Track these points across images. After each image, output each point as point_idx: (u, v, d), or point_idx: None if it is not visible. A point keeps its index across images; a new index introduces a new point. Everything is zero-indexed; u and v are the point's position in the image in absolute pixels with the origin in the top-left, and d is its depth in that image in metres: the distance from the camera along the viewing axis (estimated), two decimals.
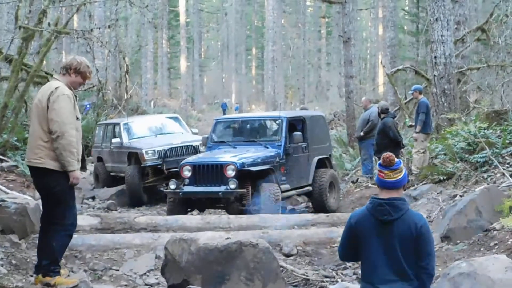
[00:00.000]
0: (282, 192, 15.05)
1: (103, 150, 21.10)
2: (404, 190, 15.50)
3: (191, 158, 15.98)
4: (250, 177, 14.71)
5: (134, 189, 18.60)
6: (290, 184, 15.70)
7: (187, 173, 14.96)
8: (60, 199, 7.94)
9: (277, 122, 16.17)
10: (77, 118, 7.90)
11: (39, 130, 7.86)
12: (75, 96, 8.03)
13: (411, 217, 5.29)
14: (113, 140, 20.08)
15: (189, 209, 15.24)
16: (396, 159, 5.36)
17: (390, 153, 5.37)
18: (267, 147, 15.69)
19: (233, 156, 15.04)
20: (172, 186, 14.96)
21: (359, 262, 5.56)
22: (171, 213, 14.61)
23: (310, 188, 16.29)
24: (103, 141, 21.34)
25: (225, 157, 15.12)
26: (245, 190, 14.53)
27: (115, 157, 20.25)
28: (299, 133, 15.87)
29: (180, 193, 14.84)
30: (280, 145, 15.63)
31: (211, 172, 14.76)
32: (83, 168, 8.31)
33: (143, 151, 18.73)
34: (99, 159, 21.29)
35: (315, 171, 16.42)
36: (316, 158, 16.54)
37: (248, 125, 16.95)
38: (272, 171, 15.01)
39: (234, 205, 14.65)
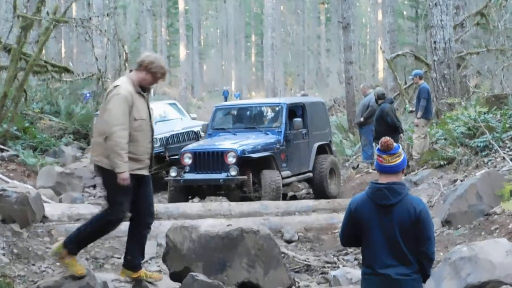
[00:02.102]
0: (282, 178, 15.04)
1: None
2: (405, 175, 15.53)
3: (192, 146, 15.98)
4: (251, 164, 14.70)
5: None
6: (290, 170, 15.68)
7: (187, 160, 14.95)
8: (109, 196, 7.88)
9: (277, 108, 16.13)
10: (135, 119, 7.69)
11: (98, 127, 7.86)
12: (141, 94, 7.85)
13: (410, 202, 5.29)
14: None
15: (190, 197, 15.24)
16: (394, 144, 5.35)
17: (388, 138, 5.35)
18: (268, 134, 15.67)
19: (233, 143, 15.02)
20: (173, 173, 14.96)
21: (360, 248, 5.57)
22: (172, 201, 14.61)
23: (310, 174, 16.28)
24: None
25: (225, 144, 15.12)
26: (245, 177, 14.52)
27: None
28: (299, 119, 15.85)
29: (181, 181, 14.84)
30: (281, 131, 15.61)
31: (212, 159, 14.76)
32: (150, 166, 8.14)
33: None
34: None
35: (315, 157, 16.41)
36: (316, 144, 16.53)
37: (248, 112, 16.91)
38: (273, 158, 15.01)
39: (235, 192, 14.65)
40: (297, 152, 16.05)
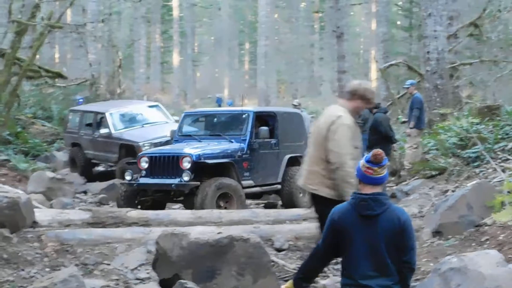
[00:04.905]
0: (244, 187, 14.68)
1: (81, 137, 21.03)
2: (396, 185, 15.43)
3: (150, 150, 15.86)
4: (208, 171, 14.33)
5: None
6: (254, 180, 15.28)
7: (144, 164, 14.66)
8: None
9: (244, 116, 15.66)
10: (355, 148, 7.79)
11: (316, 157, 7.81)
12: (357, 123, 7.97)
13: (394, 212, 5.30)
14: (101, 131, 19.94)
15: (139, 203, 14.76)
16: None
17: (380, 150, 5.35)
18: (232, 142, 15.27)
19: (191, 148, 14.72)
20: (128, 177, 14.65)
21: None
22: (121, 207, 14.21)
23: (279, 186, 15.86)
24: (80, 127, 21.27)
25: (182, 149, 14.85)
26: (198, 183, 14.06)
27: (100, 146, 20.22)
28: (265, 128, 15.38)
29: (135, 185, 14.57)
30: (245, 139, 15.21)
31: (167, 164, 14.43)
32: None
33: (140, 144, 18.66)
34: (75, 144, 21.25)
35: (286, 169, 15.94)
36: (287, 156, 16.03)
37: (216, 119, 16.56)
38: (232, 166, 14.66)
39: (191, 199, 14.18)
40: (263, 162, 15.59)
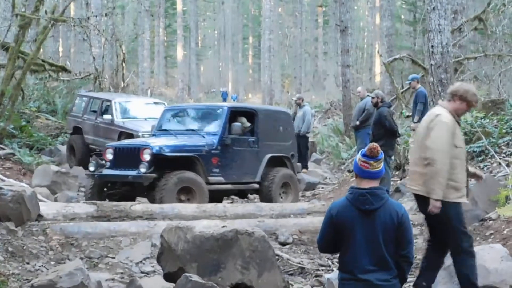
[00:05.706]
0: (211, 184, 14.46)
1: (84, 122, 21.14)
2: (401, 179, 15.39)
3: (116, 142, 15.76)
4: (170, 164, 14.11)
5: None
6: (225, 177, 14.95)
7: (109, 155, 14.55)
8: (445, 225, 7.78)
9: (219, 112, 15.47)
10: (456, 146, 7.76)
11: (417, 156, 7.88)
12: (459, 122, 7.99)
13: (391, 206, 5.33)
14: (105, 116, 20.06)
15: (107, 196, 14.56)
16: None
17: (375, 144, 5.36)
18: (204, 137, 15.04)
19: (156, 141, 14.58)
20: (91, 168, 14.60)
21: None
22: (90, 199, 14.17)
23: (256, 185, 15.55)
24: (85, 112, 21.38)
25: (145, 141, 14.77)
26: (155, 175, 13.82)
27: (101, 132, 20.32)
28: (238, 124, 15.10)
29: (96, 176, 14.46)
30: (216, 135, 14.96)
31: (129, 156, 14.31)
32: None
33: (140, 133, 18.69)
34: (76, 129, 21.36)
35: (267, 169, 15.67)
36: (268, 156, 15.75)
37: (192, 114, 16.36)
38: (198, 160, 14.42)
39: (153, 192, 13.95)
40: (238, 160, 15.26)
